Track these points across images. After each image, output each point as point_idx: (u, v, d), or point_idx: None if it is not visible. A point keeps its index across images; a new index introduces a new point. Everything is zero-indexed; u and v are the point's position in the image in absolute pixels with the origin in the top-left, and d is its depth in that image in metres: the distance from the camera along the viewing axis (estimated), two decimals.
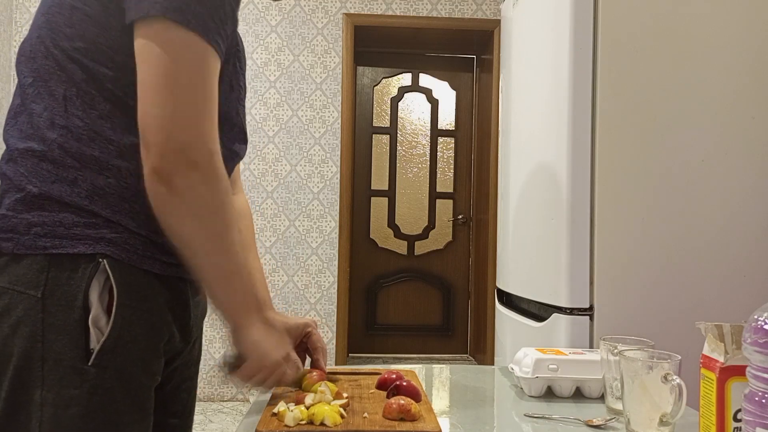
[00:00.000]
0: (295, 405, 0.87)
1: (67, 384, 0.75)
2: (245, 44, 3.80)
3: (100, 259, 0.78)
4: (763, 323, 0.61)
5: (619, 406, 0.90)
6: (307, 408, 0.86)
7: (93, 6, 0.78)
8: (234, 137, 0.93)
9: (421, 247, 4.58)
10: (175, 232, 0.79)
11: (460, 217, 4.56)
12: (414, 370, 1.17)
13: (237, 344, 0.87)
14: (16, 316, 0.75)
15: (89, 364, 0.76)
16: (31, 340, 0.75)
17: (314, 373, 1.00)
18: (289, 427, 0.82)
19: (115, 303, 0.78)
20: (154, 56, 0.75)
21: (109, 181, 0.79)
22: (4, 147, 0.83)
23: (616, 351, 0.91)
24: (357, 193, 4.49)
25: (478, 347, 4.29)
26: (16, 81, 0.84)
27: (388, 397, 0.94)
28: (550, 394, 1.05)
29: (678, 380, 0.77)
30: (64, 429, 0.74)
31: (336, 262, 3.85)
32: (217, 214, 0.79)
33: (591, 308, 1.42)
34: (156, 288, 0.82)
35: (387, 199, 4.57)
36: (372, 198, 4.55)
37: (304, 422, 0.84)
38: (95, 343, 0.76)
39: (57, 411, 0.74)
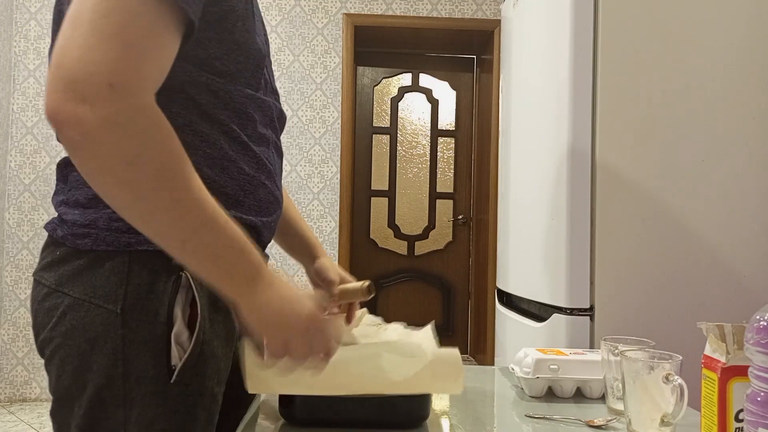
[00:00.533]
0: None
1: (150, 403, 0.72)
2: None
3: (181, 272, 0.74)
4: (765, 324, 0.61)
5: (620, 406, 0.89)
6: None
7: None
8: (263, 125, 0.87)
9: (421, 248, 4.58)
10: (100, 194, 0.64)
11: (460, 217, 4.56)
12: None
13: (242, 321, 0.73)
14: (93, 330, 0.72)
15: (172, 381, 0.72)
16: (112, 357, 0.71)
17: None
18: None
19: (199, 319, 0.73)
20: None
21: None
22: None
23: (617, 351, 0.90)
24: (357, 193, 4.49)
25: (479, 347, 4.28)
26: None
27: None
28: (550, 394, 1.05)
29: (679, 380, 0.77)
30: None
31: (336, 263, 3.84)
32: (134, 164, 0.62)
33: (591, 308, 1.42)
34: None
35: (387, 199, 4.56)
36: (372, 198, 4.55)
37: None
38: (176, 359, 0.73)
39: (140, 430, 0.72)
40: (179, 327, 0.73)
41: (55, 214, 0.81)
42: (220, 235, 0.67)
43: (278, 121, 0.91)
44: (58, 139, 0.65)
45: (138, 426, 0.72)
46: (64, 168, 0.80)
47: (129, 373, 0.71)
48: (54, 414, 0.76)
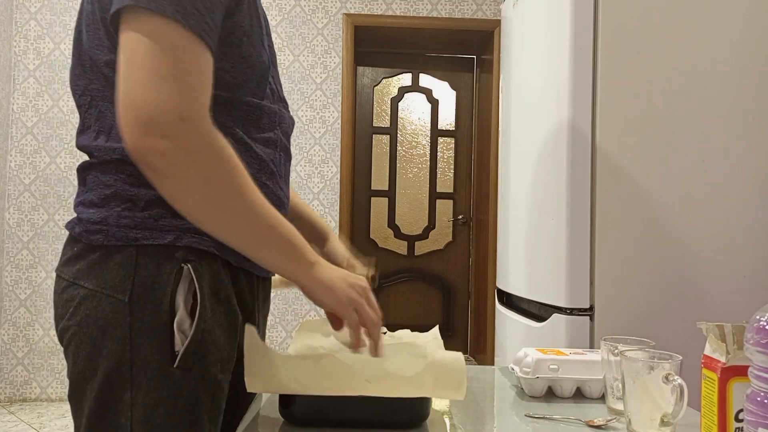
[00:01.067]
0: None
1: (155, 386, 0.78)
2: None
3: (183, 265, 0.80)
4: (765, 324, 0.61)
5: (620, 406, 0.89)
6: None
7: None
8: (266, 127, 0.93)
9: (421, 248, 4.58)
10: (184, 212, 0.76)
11: (460, 217, 4.56)
12: None
13: (314, 299, 0.85)
14: (104, 319, 0.78)
15: (175, 366, 0.78)
16: (121, 343, 0.78)
17: None
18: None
19: (198, 308, 0.80)
20: (122, 45, 0.74)
21: None
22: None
23: (616, 351, 0.90)
24: (357, 193, 4.49)
25: (479, 347, 4.28)
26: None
27: None
28: (550, 394, 1.05)
29: (679, 380, 0.77)
30: (154, 428, 0.77)
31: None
32: (213, 181, 0.74)
33: (591, 308, 1.42)
34: (230, 285, 0.85)
35: (387, 199, 4.56)
36: (372, 198, 4.55)
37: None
38: (179, 345, 0.79)
39: (146, 411, 0.77)
40: (181, 315, 0.79)
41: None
42: (284, 229, 0.80)
43: (286, 126, 0.95)
44: (141, 168, 0.73)
45: (143, 408, 0.77)
46: (83, 172, 0.86)
47: (136, 358, 0.78)
48: (71, 397, 0.82)
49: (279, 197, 0.93)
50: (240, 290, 0.88)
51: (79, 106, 0.86)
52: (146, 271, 0.79)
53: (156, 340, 0.78)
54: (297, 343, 0.96)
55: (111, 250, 0.80)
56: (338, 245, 1.11)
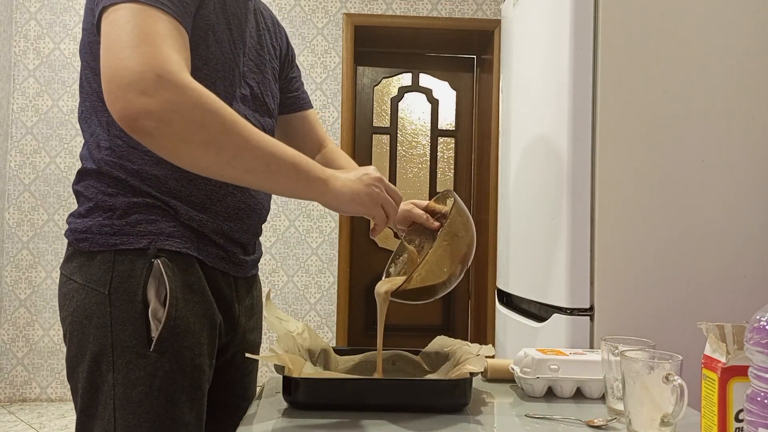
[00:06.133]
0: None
1: (133, 367, 0.88)
2: None
3: (153, 260, 0.89)
4: (765, 324, 0.61)
5: (620, 406, 0.89)
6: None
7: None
8: (251, 108, 1.01)
9: None
10: (187, 164, 0.79)
11: None
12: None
13: (341, 211, 0.91)
14: (90, 309, 0.89)
15: (150, 350, 0.88)
16: (103, 330, 0.88)
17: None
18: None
19: (168, 298, 0.89)
20: (102, 32, 0.79)
21: (161, 178, 0.92)
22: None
23: (617, 351, 0.90)
24: None
25: None
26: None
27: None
28: (550, 394, 1.05)
29: (679, 380, 0.77)
30: (133, 405, 0.87)
31: (336, 263, 3.85)
32: (205, 125, 0.76)
33: (591, 308, 1.42)
34: (204, 279, 0.94)
35: None
36: None
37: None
38: (155, 332, 0.88)
39: (126, 390, 0.87)
40: (155, 305, 0.88)
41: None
42: (288, 154, 0.83)
43: None
44: (137, 137, 0.76)
45: (124, 387, 0.87)
46: (75, 189, 0.97)
47: (116, 343, 0.88)
48: (68, 379, 0.94)
49: (248, 205, 1.00)
50: (216, 285, 0.97)
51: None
52: (122, 267, 0.89)
53: (133, 327, 0.88)
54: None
55: (95, 253, 0.91)
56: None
